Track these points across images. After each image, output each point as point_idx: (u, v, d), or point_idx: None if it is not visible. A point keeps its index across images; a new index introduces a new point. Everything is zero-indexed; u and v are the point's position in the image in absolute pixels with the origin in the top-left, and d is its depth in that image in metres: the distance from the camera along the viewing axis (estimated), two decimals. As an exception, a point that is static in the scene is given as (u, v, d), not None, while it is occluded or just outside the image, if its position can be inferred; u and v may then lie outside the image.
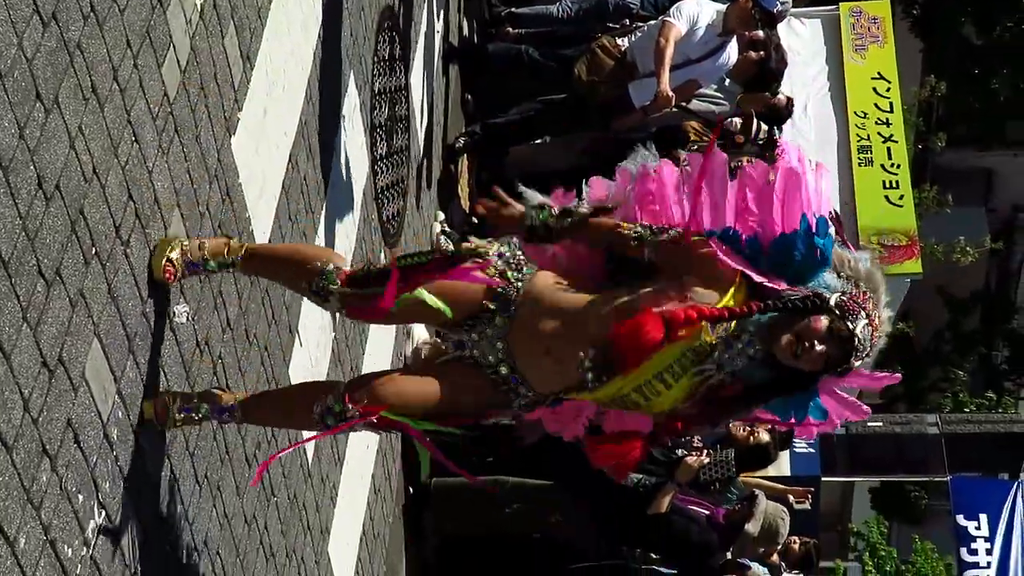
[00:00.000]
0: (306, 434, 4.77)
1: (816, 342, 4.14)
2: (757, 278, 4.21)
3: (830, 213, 4.30)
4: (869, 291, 4.27)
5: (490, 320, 4.41)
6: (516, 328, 4.39)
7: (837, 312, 4.16)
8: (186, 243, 4.58)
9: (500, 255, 4.45)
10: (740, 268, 4.20)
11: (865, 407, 4.55)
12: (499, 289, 4.39)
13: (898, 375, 4.51)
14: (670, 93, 8.47)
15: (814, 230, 4.20)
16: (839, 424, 4.51)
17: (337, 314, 4.81)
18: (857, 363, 4.22)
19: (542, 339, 4.33)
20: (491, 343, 4.42)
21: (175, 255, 4.50)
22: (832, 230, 4.30)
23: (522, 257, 4.46)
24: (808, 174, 4.28)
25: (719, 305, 4.19)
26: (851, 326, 4.15)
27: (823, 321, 4.15)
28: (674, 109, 8.93)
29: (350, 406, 4.36)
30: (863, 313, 4.19)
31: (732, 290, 4.21)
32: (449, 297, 4.38)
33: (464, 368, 4.49)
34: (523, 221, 4.34)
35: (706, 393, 4.30)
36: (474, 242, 4.49)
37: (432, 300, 4.35)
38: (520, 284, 4.40)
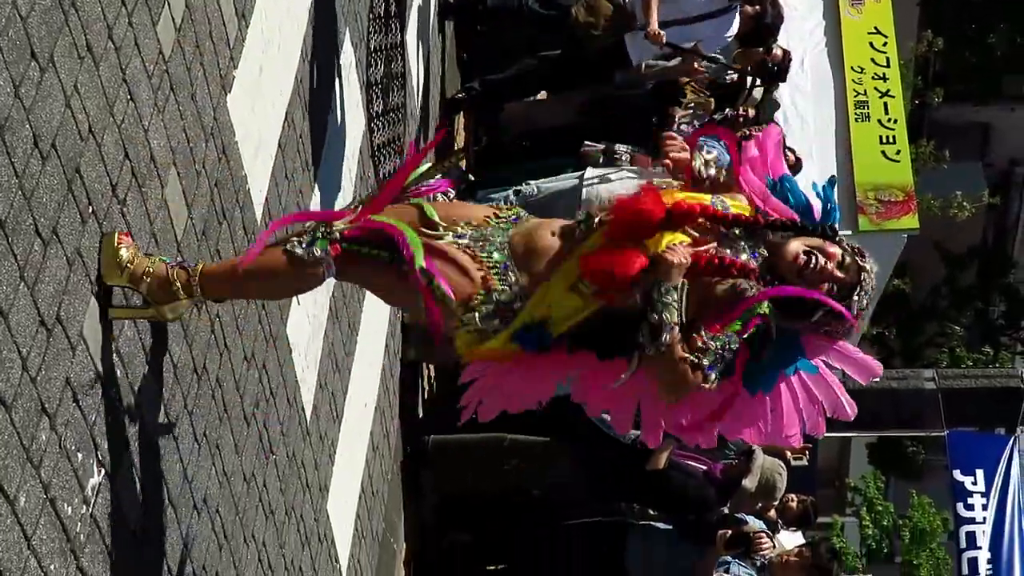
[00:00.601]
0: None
1: (826, 260, 4.14)
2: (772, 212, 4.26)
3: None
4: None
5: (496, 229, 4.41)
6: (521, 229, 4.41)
7: (848, 247, 4.19)
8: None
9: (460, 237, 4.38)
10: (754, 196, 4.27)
11: (875, 365, 4.48)
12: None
13: (880, 367, 4.47)
14: (659, 31, 8.46)
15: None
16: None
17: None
18: (855, 309, 4.19)
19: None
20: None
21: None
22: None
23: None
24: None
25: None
26: (861, 262, 4.18)
27: (836, 249, 4.16)
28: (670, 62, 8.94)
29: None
30: (869, 259, 4.22)
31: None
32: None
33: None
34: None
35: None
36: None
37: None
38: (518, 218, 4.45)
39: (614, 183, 8.68)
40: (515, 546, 8.61)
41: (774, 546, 8.41)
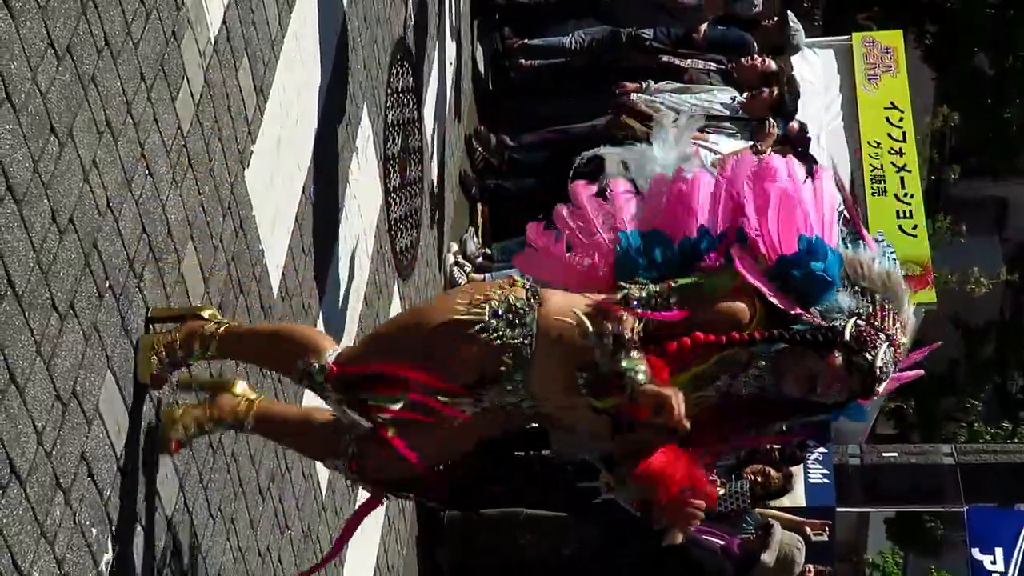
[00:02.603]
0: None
1: (830, 382, 3.95)
2: (772, 298, 3.97)
3: (839, 210, 4.16)
4: (888, 300, 4.04)
5: (509, 377, 4.15)
6: (535, 370, 4.14)
7: (854, 346, 3.93)
8: (161, 347, 4.29)
9: (496, 314, 4.13)
10: (758, 285, 3.97)
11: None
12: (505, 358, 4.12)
13: (920, 371, 4.30)
14: None
15: (811, 254, 3.98)
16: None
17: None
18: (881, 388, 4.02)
19: (558, 379, 4.11)
20: (512, 393, 4.20)
21: (155, 369, 4.27)
22: (839, 238, 4.14)
23: (520, 304, 4.16)
24: (803, 190, 4.13)
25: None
26: (870, 358, 3.93)
27: (838, 358, 3.94)
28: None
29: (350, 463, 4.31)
30: (882, 337, 3.96)
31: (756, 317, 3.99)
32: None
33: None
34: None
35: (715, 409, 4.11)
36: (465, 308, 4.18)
37: None
38: (528, 339, 4.11)
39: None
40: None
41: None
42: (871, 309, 4.03)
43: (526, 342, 4.11)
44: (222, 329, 4.38)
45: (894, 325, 4.03)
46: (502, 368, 4.13)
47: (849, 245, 4.17)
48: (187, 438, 4.40)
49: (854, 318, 3.99)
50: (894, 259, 4.20)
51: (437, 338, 4.14)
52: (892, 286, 4.08)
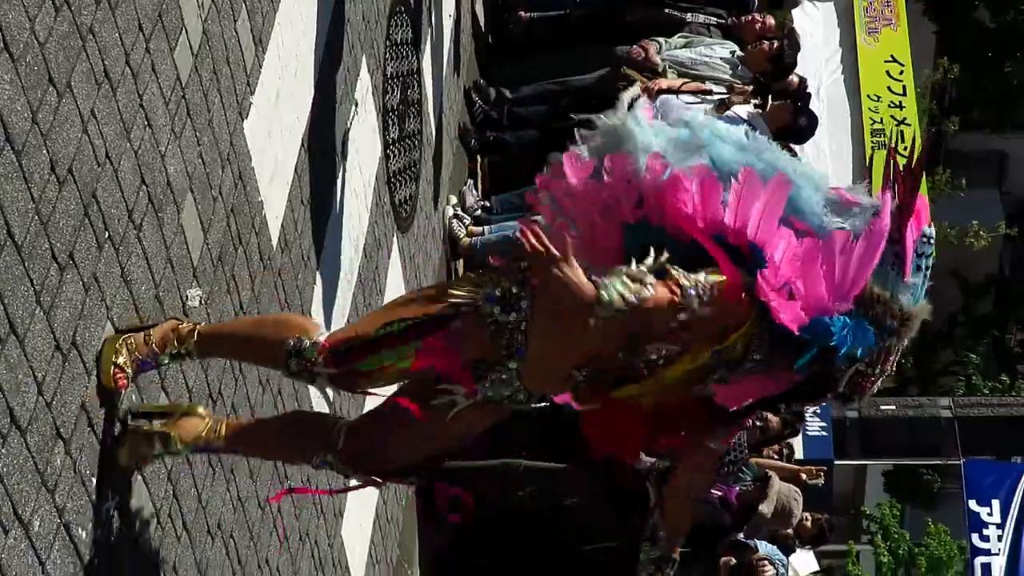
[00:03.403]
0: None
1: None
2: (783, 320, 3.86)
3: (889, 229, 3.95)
4: (901, 340, 4.01)
5: (504, 365, 4.11)
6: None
7: (845, 392, 4.02)
8: (130, 341, 4.12)
9: (489, 298, 4.08)
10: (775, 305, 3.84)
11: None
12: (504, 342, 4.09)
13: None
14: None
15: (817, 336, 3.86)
16: None
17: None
18: None
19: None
20: (507, 384, 4.16)
21: (122, 359, 4.06)
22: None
23: (516, 289, 4.08)
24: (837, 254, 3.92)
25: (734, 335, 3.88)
26: (857, 398, 4.07)
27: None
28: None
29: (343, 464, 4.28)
30: (877, 378, 4.05)
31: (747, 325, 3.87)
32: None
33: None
34: None
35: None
36: (461, 291, 4.14)
37: None
38: (523, 324, 4.05)
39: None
40: (531, 571, 8.59)
41: (776, 571, 8.39)
42: (878, 353, 3.99)
43: (521, 328, 4.06)
44: (201, 325, 4.29)
45: (892, 359, 4.04)
46: (501, 353, 4.09)
47: (892, 272, 3.99)
48: (128, 370, 4.14)
49: (855, 367, 3.96)
50: (927, 276, 4.08)
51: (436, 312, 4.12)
52: (912, 326, 4.03)
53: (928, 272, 4.06)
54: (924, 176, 4.10)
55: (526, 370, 4.10)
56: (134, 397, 4.23)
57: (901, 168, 4.06)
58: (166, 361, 4.23)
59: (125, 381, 4.07)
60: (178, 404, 4.41)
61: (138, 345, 4.13)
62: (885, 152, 4.31)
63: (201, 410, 4.31)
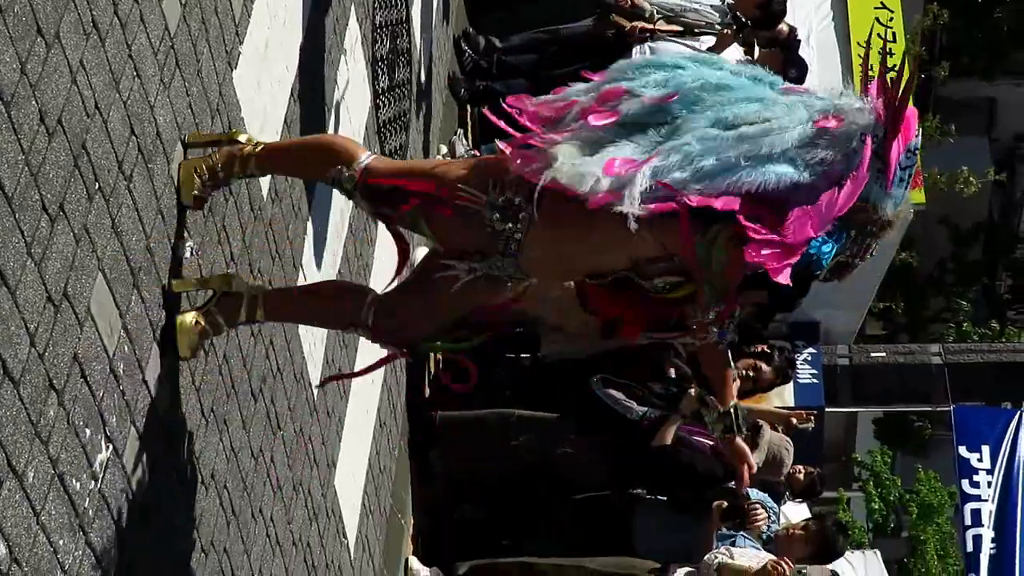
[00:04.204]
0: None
1: None
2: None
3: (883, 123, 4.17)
4: (882, 236, 4.27)
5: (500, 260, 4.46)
6: (523, 258, 4.43)
7: (827, 277, 4.39)
8: (201, 168, 4.64)
9: (491, 205, 4.39)
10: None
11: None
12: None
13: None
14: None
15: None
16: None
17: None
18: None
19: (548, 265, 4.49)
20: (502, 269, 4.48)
21: (196, 191, 4.63)
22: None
23: (520, 200, 4.35)
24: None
25: None
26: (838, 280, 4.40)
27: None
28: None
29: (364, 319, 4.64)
30: (855, 265, 4.34)
31: None
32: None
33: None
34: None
35: None
36: (467, 191, 4.43)
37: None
38: (519, 235, 4.37)
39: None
40: (524, 521, 8.63)
41: (768, 516, 8.43)
42: (857, 249, 4.30)
43: (517, 236, 4.36)
44: (260, 148, 4.75)
45: (872, 251, 4.33)
46: (496, 252, 4.43)
47: (875, 186, 4.19)
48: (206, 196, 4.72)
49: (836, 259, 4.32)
50: (909, 182, 4.25)
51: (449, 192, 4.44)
52: (892, 228, 4.28)
53: (911, 178, 4.20)
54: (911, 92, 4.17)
55: (529, 265, 4.45)
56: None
57: (889, 82, 4.18)
58: (234, 181, 4.84)
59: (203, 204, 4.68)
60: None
61: (210, 170, 4.66)
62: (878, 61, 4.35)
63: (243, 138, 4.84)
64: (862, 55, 12.09)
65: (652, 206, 4.11)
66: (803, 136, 4.15)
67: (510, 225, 4.35)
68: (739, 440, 4.65)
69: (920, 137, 4.23)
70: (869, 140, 4.11)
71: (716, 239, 4.13)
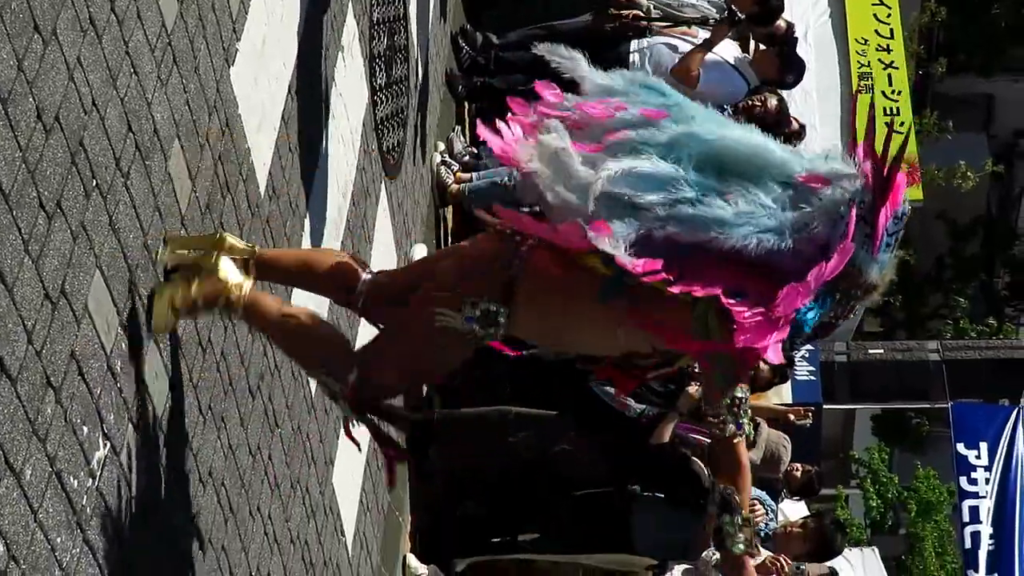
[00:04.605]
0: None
1: None
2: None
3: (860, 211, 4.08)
4: (866, 300, 4.25)
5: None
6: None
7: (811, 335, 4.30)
8: (181, 302, 4.52)
9: (469, 320, 4.34)
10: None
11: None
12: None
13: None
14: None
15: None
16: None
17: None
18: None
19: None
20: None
21: (166, 324, 4.51)
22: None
23: (494, 307, 4.33)
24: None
25: None
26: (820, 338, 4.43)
27: None
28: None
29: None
30: (838, 324, 4.31)
31: None
32: None
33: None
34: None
35: None
36: (444, 316, 4.37)
37: None
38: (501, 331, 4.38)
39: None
40: (523, 517, 8.64)
41: (766, 514, 8.42)
42: (840, 310, 4.24)
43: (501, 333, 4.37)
44: (246, 299, 4.56)
45: (855, 312, 4.34)
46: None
47: (862, 251, 4.11)
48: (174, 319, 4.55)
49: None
50: (896, 246, 4.22)
51: (424, 352, 4.50)
52: (876, 292, 4.23)
53: (897, 243, 4.18)
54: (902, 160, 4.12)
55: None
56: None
57: (880, 147, 4.12)
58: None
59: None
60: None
61: (186, 303, 4.49)
62: (867, 116, 4.34)
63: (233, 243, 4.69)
64: (860, 51, 12.10)
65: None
66: (787, 194, 4.09)
67: (492, 330, 4.34)
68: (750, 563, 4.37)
69: (908, 204, 4.18)
70: (854, 210, 4.03)
71: (707, 317, 4.09)
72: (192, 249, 4.62)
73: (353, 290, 4.64)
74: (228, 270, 4.59)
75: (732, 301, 3.97)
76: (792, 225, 4.03)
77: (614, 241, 4.02)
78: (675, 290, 4.00)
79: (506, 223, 4.38)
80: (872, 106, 4.34)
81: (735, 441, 4.20)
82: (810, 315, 4.16)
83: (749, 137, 4.21)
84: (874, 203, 4.05)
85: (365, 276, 4.65)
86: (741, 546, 4.25)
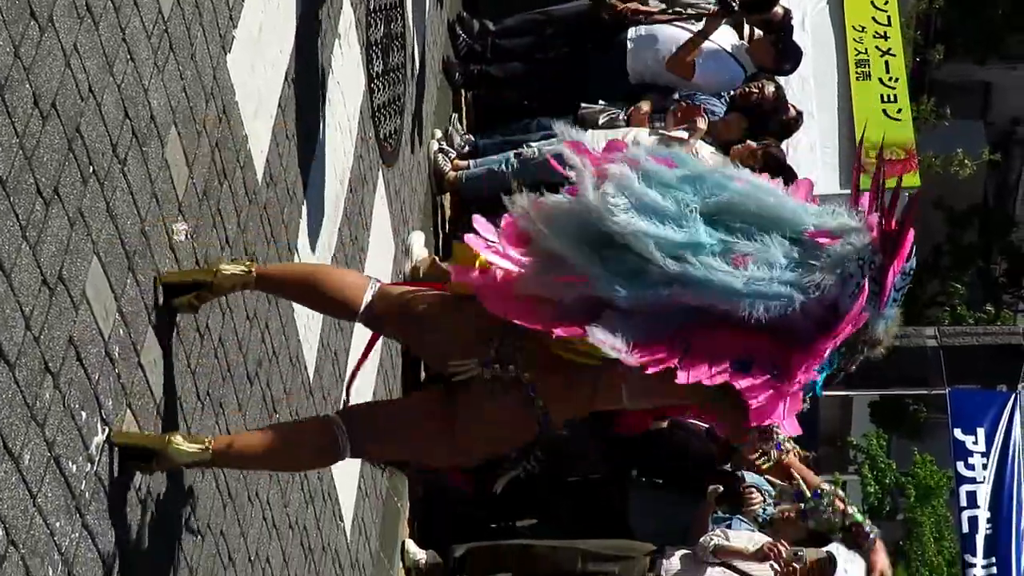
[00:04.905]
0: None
1: None
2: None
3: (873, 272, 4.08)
4: (869, 353, 4.24)
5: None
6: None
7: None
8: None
9: (486, 363, 4.30)
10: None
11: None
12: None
13: None
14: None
15: None
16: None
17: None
18: None
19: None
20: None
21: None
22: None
23: (506, 349, 4.31)
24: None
25: None
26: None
27: None
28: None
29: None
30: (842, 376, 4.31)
31: None
32: None
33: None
34: None
35: None
36: (460, 367, 4.35)
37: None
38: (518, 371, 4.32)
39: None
40: (519, 502, 8.64)
41: (763, 499, 8.44)
42: (845, 362, 4.25)
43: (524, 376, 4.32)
44: (213, 448, 4.43)
45: (857, 363, 4.29)
46: None
47: (871, 309, 4.10)
48: None
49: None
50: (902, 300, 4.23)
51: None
52: (881, 347, 4.25)
53: (903, 297, 4.18)
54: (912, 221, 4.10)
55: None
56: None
57: (885, 203, 4.10)
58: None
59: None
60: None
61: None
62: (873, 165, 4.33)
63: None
64: (857, 39, 12.09)
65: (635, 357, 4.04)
66: (796, 250, 4.05)
67: (512, 368, 4.30)
68: None
69: (915, 259, 4.16)
70: (867, 281, 4.02)
71: (718, 398, 4.10)
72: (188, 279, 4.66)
73: (355, 315, 4.62)
74: None
75: (744, 384, 3.97)
76: (801, 285, 3.99)
77: (614, 343, 4.03)
78: (682, 379, 3.99)
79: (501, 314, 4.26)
80: (880, 158, 4.29)
81: (786, 461, 4.29)
82: (820, 378, 4.19)
83: (760, 191, 4.16)
84: (883, 264, 4.03)
85: (366, 300, 4.57)
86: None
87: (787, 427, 4.10)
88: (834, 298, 4.01)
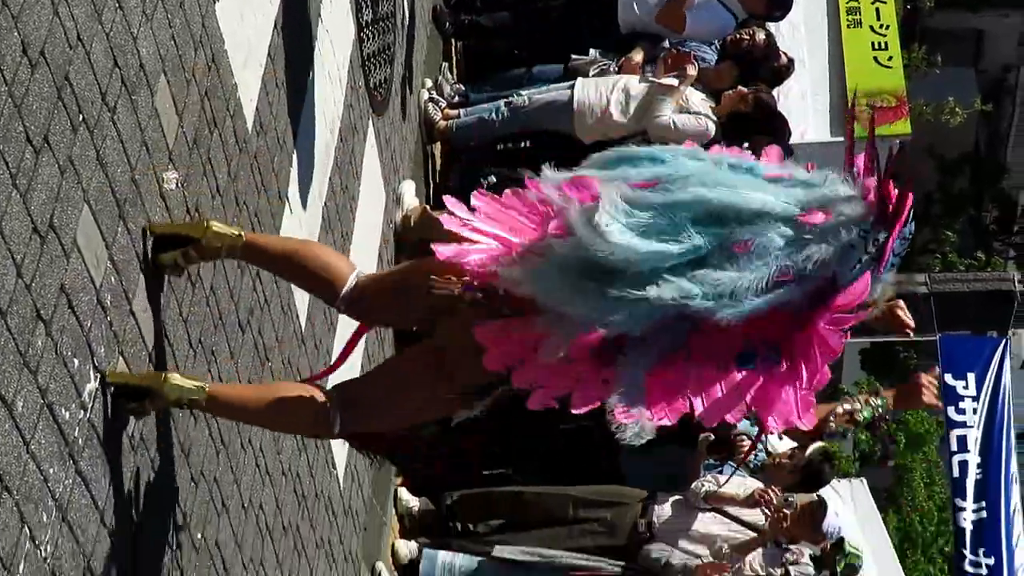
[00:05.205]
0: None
1: None
2: None
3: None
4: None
5: None
6: None
7: None
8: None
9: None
10: None
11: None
12: None
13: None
14: None
15: None
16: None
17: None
18: None
19: None
20: None
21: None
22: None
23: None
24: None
25: None
26: None
27: None
28: None
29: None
30: None
31: None
32: None
33: None
34: None
35: None
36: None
37: None
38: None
39: (604, 93, 8.72)
40: (511, 451, 8.67)
41: (755, 447, 8.48)
42: None
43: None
44: (208, 391, 4.51)
45: None
46: None
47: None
48: None
49: None
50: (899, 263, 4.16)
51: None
52: (877, 307, 4.16)
53: (901, 261, 4.14)
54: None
55: None
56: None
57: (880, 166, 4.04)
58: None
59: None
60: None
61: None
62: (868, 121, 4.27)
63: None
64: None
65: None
66: (787, 238, 3.99)
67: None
68: None
69: (913, 223, 4.10)
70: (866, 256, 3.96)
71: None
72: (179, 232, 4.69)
73: (336, 297, 4.60)
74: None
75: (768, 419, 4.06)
76: (797, 263, 3.92)
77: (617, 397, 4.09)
78: (701, 414, 4.00)
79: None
80: (873, 119, 4.22)
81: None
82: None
83: (748, 195, 4.00)
84: (884, 235, 3.97)
85: (350, 283, 4.57)
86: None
87: (806, 422, 4.10)
88: (833, 274, 3.93)
